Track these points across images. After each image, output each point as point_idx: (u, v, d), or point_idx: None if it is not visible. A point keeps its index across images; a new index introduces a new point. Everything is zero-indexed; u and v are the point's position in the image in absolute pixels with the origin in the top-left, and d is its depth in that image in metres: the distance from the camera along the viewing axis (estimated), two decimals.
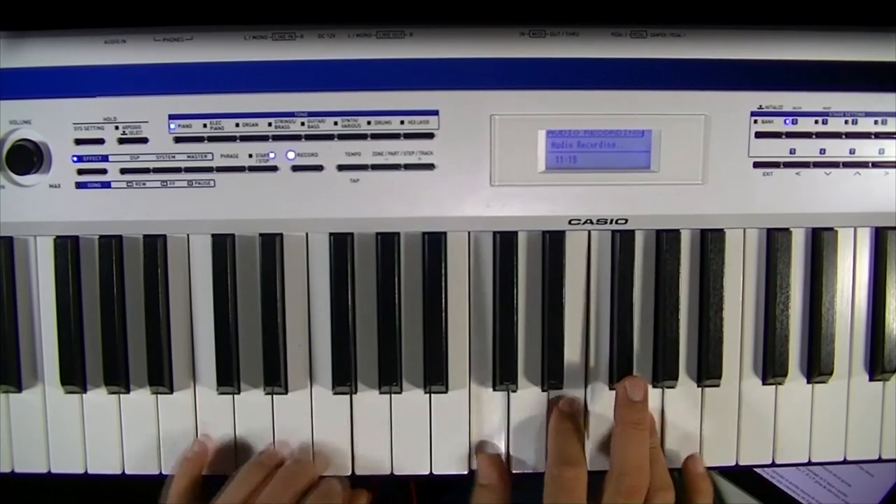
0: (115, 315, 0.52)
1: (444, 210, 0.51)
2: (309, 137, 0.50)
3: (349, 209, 0.51)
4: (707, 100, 0.51)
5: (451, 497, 0.65)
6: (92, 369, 0.53)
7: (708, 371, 0.53)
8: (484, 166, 0.51)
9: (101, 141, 0.50)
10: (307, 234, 0.53)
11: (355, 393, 0.53)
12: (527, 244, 0.53)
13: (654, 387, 0.54)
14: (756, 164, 0.52)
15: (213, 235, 0.52)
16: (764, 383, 0.54)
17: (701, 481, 0.54)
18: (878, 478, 0.71)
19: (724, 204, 0.52)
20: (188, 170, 0.51)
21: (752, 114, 0.51)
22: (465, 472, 0.54)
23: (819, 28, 0.51)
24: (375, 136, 0.51)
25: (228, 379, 0.52)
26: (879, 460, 0.55)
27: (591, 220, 0.52)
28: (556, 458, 0.51)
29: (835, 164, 0.52)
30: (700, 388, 0.54)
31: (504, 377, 0.53)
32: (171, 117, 0.50)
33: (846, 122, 0.52)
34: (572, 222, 0.52)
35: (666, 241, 0.53)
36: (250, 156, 0.51)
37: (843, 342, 0.54)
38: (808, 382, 0.54)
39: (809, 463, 0.55)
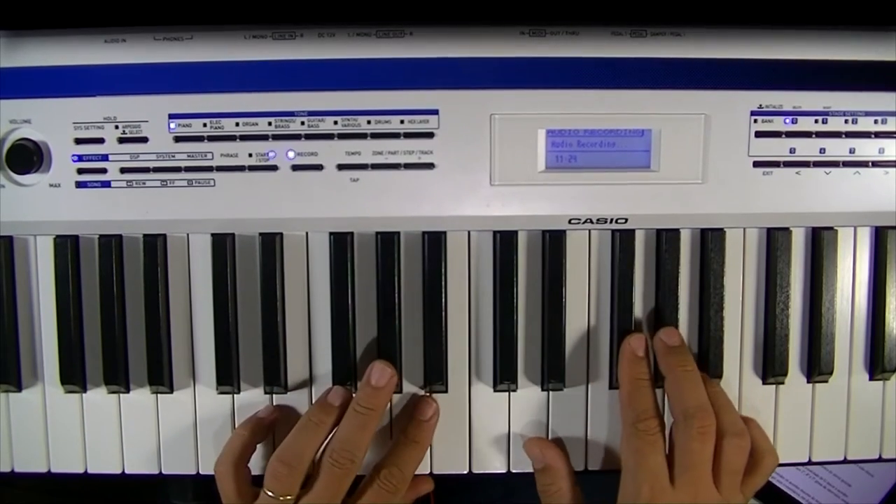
0: (115, 315, 0.52)
1: (444, 210, 0.51)
2: (309, 137, 0.50)
3: (349, 209, 0.51)
4: (707, 99, 0.51)
5: (450, 496, 0.65)
6: (92, 369, 0.53)
7: (708, 371, 0.53)
8: (484, 166, 0.51)
9: (101, 140, 0.50)
10: (307, 233, 0.53)
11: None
12: (527, 244, 0.53)
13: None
14: (756, 164, 0.52)
15: (213, 235, 0.52)
16: (764, 383, 0.54)
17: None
18: (878, 478, 0.71)
19: (724, 203, 0.52)
20: (188, 169, 0.51)
21: (752, 113, 0.51)
22: (465, 472, 0.54)
23: (819, 28, 0.51)
24: (375, 136, 0.51)
25: (228, 378, 0.52)
26: (879, 460, 0.55)
27: (591, 220, 0.52)
28: (636, 412, 0.50)
29: (835, 164, 0.52)
30: None
31: (504, 377, 0.52)
32: (171, 117, 0.50)
33: (846, 121, 0.52)
34: (572, 222, 0.52)
35: (666, 240, 0.53)
36: (250, 155, 0.51)
37: (844, 342, 0.54)
38: (809, 382, 0.54)
39: (809, 463, 0.55)
